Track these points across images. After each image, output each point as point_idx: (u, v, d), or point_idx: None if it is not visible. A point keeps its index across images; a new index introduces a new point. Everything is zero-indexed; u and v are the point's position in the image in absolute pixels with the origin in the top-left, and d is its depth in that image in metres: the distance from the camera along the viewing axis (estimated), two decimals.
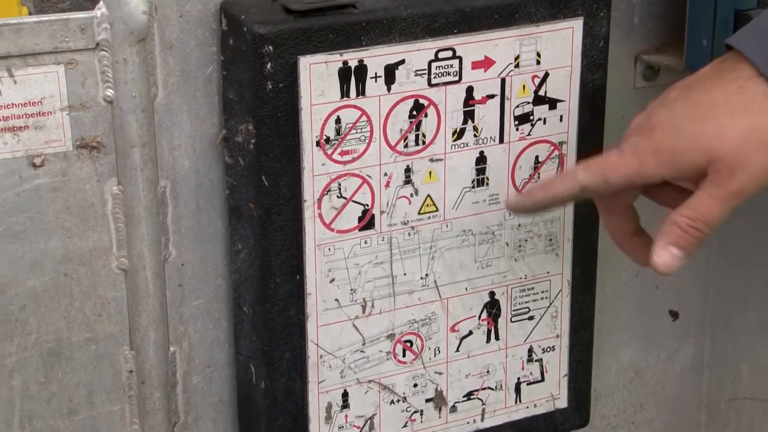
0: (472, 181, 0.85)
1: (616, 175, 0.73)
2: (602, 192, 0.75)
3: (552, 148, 0.87)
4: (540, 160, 0.87)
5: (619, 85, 0.94)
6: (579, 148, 0.87)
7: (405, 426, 0.89)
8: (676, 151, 0.72)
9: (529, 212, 0.81)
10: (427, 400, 0.89)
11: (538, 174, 0.87)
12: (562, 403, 0.94)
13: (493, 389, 0.91)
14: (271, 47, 0.76)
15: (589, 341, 0.94)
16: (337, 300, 0.83)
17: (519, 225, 0.88)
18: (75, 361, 0.82)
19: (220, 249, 0.85)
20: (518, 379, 0.91)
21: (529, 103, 0.85)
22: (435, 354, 0.88)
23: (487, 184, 0.85)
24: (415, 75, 0.80)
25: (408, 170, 0.83)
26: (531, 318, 0.91)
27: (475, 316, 0.88)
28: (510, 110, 0.84)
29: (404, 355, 0.87)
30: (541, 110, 0.85)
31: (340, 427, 0.86)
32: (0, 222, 0.77)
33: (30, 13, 0.79)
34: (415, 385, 0.88)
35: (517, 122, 0.85)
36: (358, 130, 0.80)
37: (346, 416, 0.86)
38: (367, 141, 0.81)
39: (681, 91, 0.74)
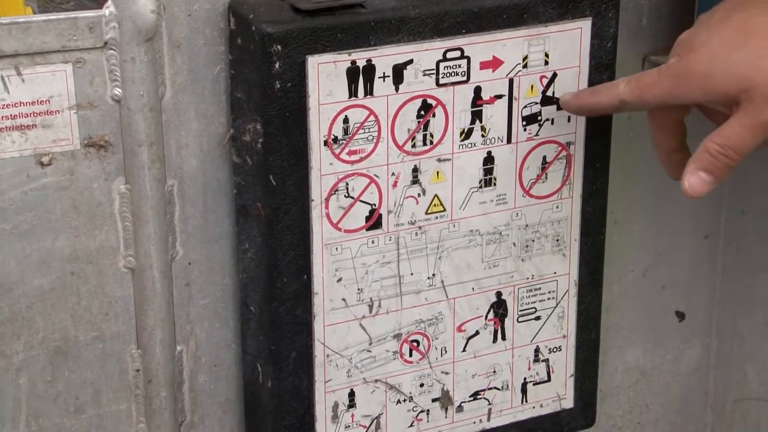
0: (480, 181, 0.85)
1: (651, 94, 0.76)
2: (640, 108, 0.78)
3: (560, 148, 0.87)
4: (548, 160, 0.87)
5: None
6: (586, 149, 0.87)
7: (411, 425, 0.89)
8: (710, 76, 0.73)
9: (576, 113, 0.83)
10: (434, 400, 0.89)
11: (546, 174, 0.87)
12: (569, 403, 0.94)
13: (499, 389, 0.91)
14: (279, 47, 0.76)
15: (596, 341, 0.94)
16: (344, 299, 0.83)
17: (526, 225, 0.88)
18: (82, 360, 0.82)
19: (227, 248, 0.85)
20: (524, 379, 0.91)
21: (537, 103, 0.85)
22: (441, 354, 0.88)
23: (495, 184, 0.85)
24: (423, 75, 0.80)
25: (415, 170, 0.83)
26: (538, 318, 0.91)
27: (481, 316, 0.88)
28: (518, 110, 0.84)
29: (411, 355, 0.87)
30: (549, 110, 0.85)
31: (346, 427, 0.86)
32: (7, 220, 0.77)
33: (34, 13, 0.79)
34: (422, 385, 0.88)
35: (524, 122, 0.85)
36: (366, 130, 0.80)
37: (353, 415, 0.86)
38: (374, 141, 0.81)
39: (724, 12, 0.75)
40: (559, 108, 0.85)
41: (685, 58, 0.75)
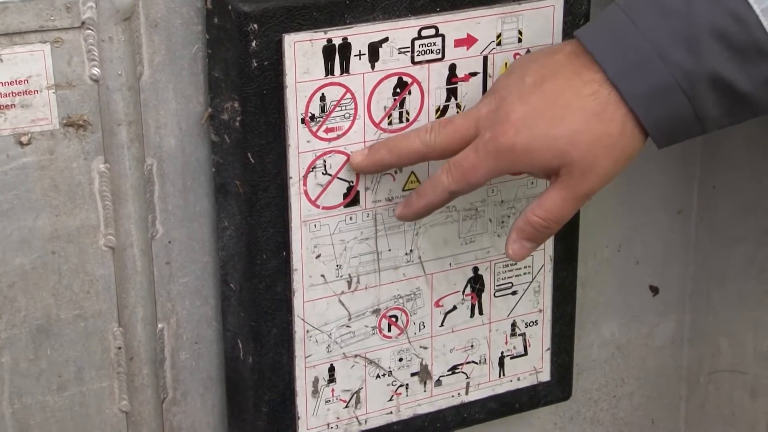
0: None
1: (477, 176, 0.77)
2: (469, 191, 0.79)
3: None
4: None
5: None
6: None
7: (391, 399, 0.90)
8: (532, 152, 0.75)
9: (413, 219, 0.84)
10: (413, 374, 0.90)
11: None
12: (545, 376, 0.95)
13: (477, 363, 0.92)
14: (255, 25, 0.77)
15: (571, 316, 0.95)
16: (323, 276, 0.84)
17: (502, 201, 0.89)
18: (64, 338, 0.82)
19: (207, 226, 0.85)
20: (502, 353, 0.93)
21: None
22: (420, 329, 0.89)
23: None
24: (399, 53, 0.81)
25: None
26: (514, 293, 0.92)
27: (459, 291, 0.90)
28: None
29: (389, 330, 0.88)
30: None
31: (326, 401, 0.87)
32: None
33: None
34: (401, 360, 0.89)
35: None
36: (343, 108, 0.81)
37: (333, 390, 0.87)
38: (351, 118, 0.82)
39: (536, 79, 0.76)
40: None
41: (503, 132, 0.75)
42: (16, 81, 0.76)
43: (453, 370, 0.91)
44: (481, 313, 0.91)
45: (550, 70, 0.76)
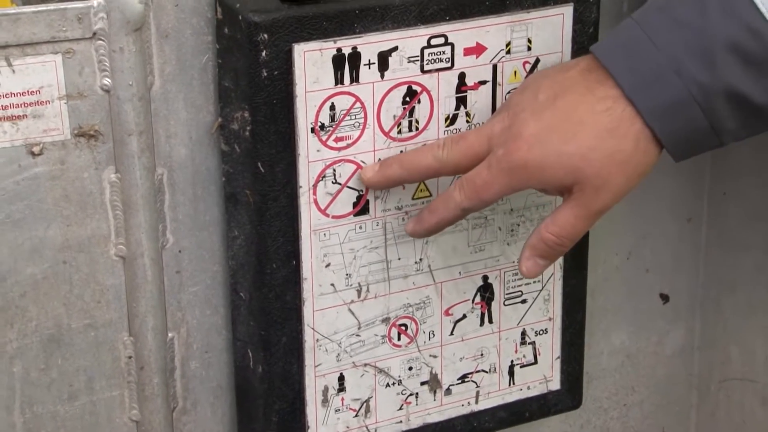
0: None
1: (490, 193, 0.77)
2: (482, 208, 0.79)
3: None
4: None
5: None
6: None
7: (400, 408, 0.90)
8: (545, 169, 0.75)
9: (425, 236, 0.84)
10: (422, 383, 0.90)
11: None
12: (555, 385, 0.95)
13: (486, 372, 0.92)
14: (265, 35, 0.77)
15: (581, 324, 0.95)
16: (332, 285, 0.84)
17: (511, 210, 0.89)
18: (75, 348, 0.83)
19: (216, 235, 0.86)
20: (511, 361, 0.93)
21: None
22: (429, 337, 0.89)
23: None
24: (408, 62, 0.82)
25: None
26: (524, 301, 0.92)
27: (468, 299, 0.90)
28: (502, 96, 0.85)
29: (399, 339, 0.88)
30: None
31: (336, 410, 0.87)
32: (0, 210, 0.78)
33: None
34: (410, 368, 0.89)
35: None
36: (352, 117, 0.81)
37: (343, 399, 0.87)
38: (361, 127, 0.82)
39: (549, 95, 0.76)
40: None
41: (516, 149, 0.75)
42: (27, 91, 0.77)
43: (463, 378, 0.91)
44: (490, 321, 0.91)
45: (563, 87, 0.76)
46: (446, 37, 0.82)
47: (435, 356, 0.90)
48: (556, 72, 0.78)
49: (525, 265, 0.78)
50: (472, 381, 0.92)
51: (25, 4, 0.80)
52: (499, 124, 0.78)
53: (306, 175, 0.81)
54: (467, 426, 0.93)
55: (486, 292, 0.90)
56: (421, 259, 0.87)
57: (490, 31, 0.83)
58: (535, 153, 0.75)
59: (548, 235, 0.77)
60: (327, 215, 0.83)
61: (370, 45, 0.80)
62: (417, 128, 0.84)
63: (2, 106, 0.76)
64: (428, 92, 0.83)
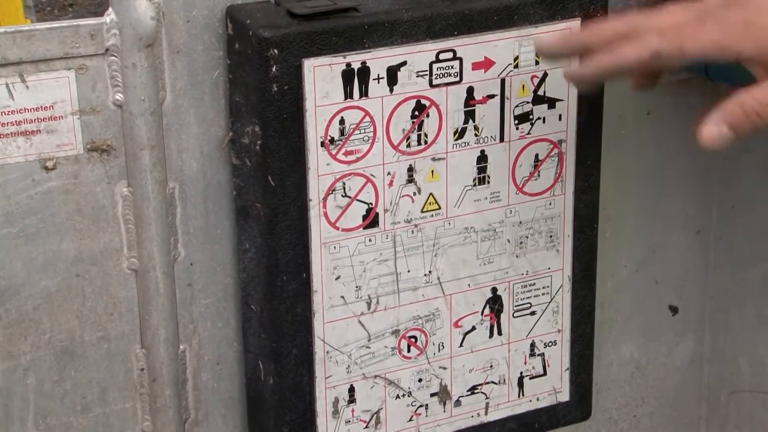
0: (474, 180, 0.87)
1: (695, 45, 0.68)
2: (674, 61, 0.70)
3: (551, 146, 0.89)
4: (540, 158, 0.88)
5: (617, 84, 0.96)
6: (578, 146, 0.89)
7: (410, 420, 0.90)
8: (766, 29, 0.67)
9: (591, 81, 0.75)
10: (432, 395, 0.91)
11: (538, 172, 0.89)
12: (564, 396, 0.95)
13: (496, 383, 0.92)
14: (276, 50, 0.78)
15: (590, 336, 0.95)
16: (342, 297, 0.85)
17: (520, 222, 0.90)
18: (88, 360, 0.84)
19: (228, 248, 0.86)
20: (521, 373, 0.93)
21: (528, 102, 0.87)
22: (439, 349, 0.90)
23: (488, 182, 0.87)
24: (417, 76, 0.82)
25: (411, 169, 0.85)
26: (533, 313, 0.92)
27: (477, 311, 0.90)
28: (510, 110, 0.86)
29: (409, 351, 0.89)
30: (541, 109, 0.87)
31: (347, 422, 0.88)
32: (14, 224, 0.79)
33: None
34: (420, 380, 0.90)
35: (517, 121, 0.87)
36: (362, 131, 0.82)
37: (353, 411, 0.88)
38: (370, 141, 0.83)
39: None
40: (550, 107, 0.87)
41: (736, 5, 0.67)
42: (41, 107, 0.78)
43: (472, 390, 0.92)
44: (500, 333, 0.92)
45: None
46: (454, 52, 0.83)
47: (445, 368, 0.90)
48: None
49: (708, 130, 0.68)
50: (482, 392, 0.92)
51: (39, 21, 0.81)
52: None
53: (316, 188, 0.82)
54: None
55: (495, 304, 0.91)
56: (430, 272, 0.88)
57: (498, 45, 0.84)
58: (762, 12, 0.66)
59: (750, 99, 0.67)
60: (337, 228, 0.83)
61: (379, 60, 0.81)
62: (426, 142, 0.84)
63: (16, 121, 0.77)
64: (437, 106, 0.84)
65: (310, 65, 0.79)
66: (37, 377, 0.82)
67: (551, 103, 0.87)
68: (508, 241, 0.90)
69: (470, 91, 0.84)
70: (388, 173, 0.84)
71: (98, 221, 0.81)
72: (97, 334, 0.83)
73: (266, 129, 0.79)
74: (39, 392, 0.83)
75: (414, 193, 0.85)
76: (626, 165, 1.00)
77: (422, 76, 0.82)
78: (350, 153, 0.82)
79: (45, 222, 0.80)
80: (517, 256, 0.90)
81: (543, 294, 0.92)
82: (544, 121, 0.88)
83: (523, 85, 0.86)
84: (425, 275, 0.87)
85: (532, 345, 0.93)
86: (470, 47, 0.83)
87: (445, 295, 0.89)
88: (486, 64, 0.84)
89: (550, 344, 0.94)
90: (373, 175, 0.83)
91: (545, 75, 0.86)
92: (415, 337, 0.89)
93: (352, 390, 0.87)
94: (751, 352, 1.08)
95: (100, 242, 0.82)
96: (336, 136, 0.81)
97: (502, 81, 0.85)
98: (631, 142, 1.00)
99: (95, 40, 0.77)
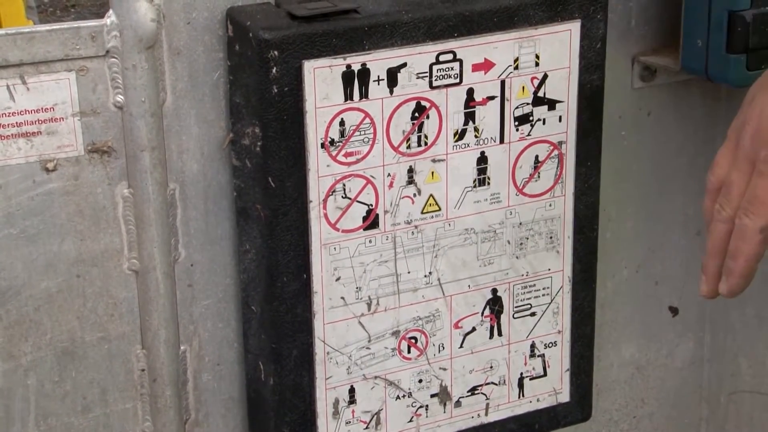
0: (474, 181, 0.87)
1: None
2: None
3: (551, 147, 0.89)
4: (540, 159, 0.89)
5: (617, 85, 0.96)
6: (578, 148, 0.89)
7: (411, 421, 0.90)
8: None
9: (742, 288, 0.75)
10: (432, 395, 0.91)
11: (538, 173, 0.89)
12: (565, 397, 0.96)
13: (496, 384, 0.93)
14: (276, 52, 0.78)
15: (590, 337, 0.96)
16: (343, 298, 0.85)
17: (520, 224, 0.90)
18: (88, 360, 0.84)
19: (228, 250, 0.86)
20: (521, 374, 0.93)
21: (528, 104, 0.87)
22: (439, 350, 0.90)
23: (489, 183, 0.87)
24: (417, 78, 0.82)
25: (411, 171, 0.85)
26: (533, 314, 0.92)
27: (478, 312, 0.90)
28: (510, 111, 0.86)
29: (409, 352, 0.89)
30: (541, 111, 0.87)
31: (347, 422, 0.88)
32: (14, 225, 0.80)
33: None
34: (420, 381, 0.90)
35: (517, 123, 0.87)
36: (362, 132, 0.82)
37: (353, 411, 0.88)
38: (370, 142, 0.83)
39: None
40: (550, 108, 0.87)
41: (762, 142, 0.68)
42: (42, 108, 0.78)
43: (472, 391, 0.92)
44: (500, 334, 0.92)
45: None
46: (455, 53, 0.83)
47: (445, 369, 0.91)
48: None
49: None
50: (482, 393, 0.92)
51: (41, 21, 0.81)
52: (742, 133, 0.69)
53: (316, 189, 0.82)
54: None
55: (495, 305, 0.91)
56: (430, 273, 0.88)
57: (498, 47, 0.84)
58: None
59: None
60: (337, 229, 0.84)
61: (379, 61, 0.81)
62: (426, 143, 0.84)
63: (17, 123, 0.78)
64: (437, 108, 0.84)
65: (310, 67, 0.79)
66: (37, 378, 0.83)
67: (551, 104, 0.87)
68: (509, 242, 0.90)
69: (470, 92, 0.84)
70: (388, 174, 0.84)
71: (99, 222, 0.82)
72: (98, 334, 0.84)
73: (266, 130, 0.80)
74: (40, 393, 0.83)
75: (414, 195, 0.85)
76: (626, 165, 1.00)
77: (422, 77, 0.83)
78: (350, 154, 0.82)
79: (46, 223, 0.80)
80: (517, 257, 0.90)
81: (543, 295, 0.92)
82: (544, 123, 0.88)
83: (523, 87, 0.86)
84: (425, 276, 0.88)
85: (533, 346, 0.93)
86: (470, 49, 0.83)
87: (446, 296, 0.89)
88: (486, 65, 0.84)
89: (550, 345, 0.94)
90: (373, 177, 0.83)
91: (545, 77, 0.86)
92: (415, 338, 0.89)
93: (352, 391, 0.88)
94: (750, 353, 1.08)
95: (101, 243, 0.82)
96: (336, 137, 0.81)
97: (502, 82, 0.85)
98: (631, 142, 1.00)
99: (96, 42, 0.78)
